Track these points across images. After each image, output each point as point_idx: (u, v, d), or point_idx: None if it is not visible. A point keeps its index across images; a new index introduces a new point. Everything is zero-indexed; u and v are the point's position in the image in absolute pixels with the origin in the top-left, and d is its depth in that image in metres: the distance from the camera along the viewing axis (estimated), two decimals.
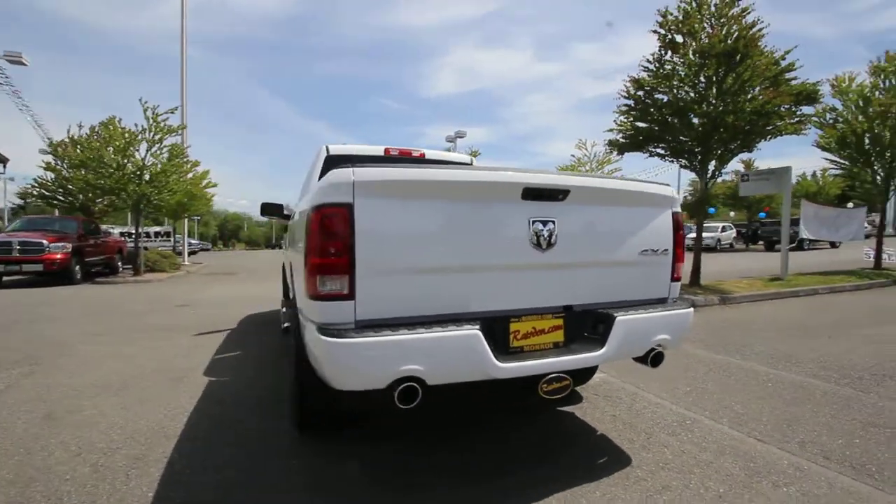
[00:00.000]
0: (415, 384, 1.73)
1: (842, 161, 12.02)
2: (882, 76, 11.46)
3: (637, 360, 2.29)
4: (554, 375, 1.96)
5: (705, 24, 7.79)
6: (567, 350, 2.08)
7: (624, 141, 9.13)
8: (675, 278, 2.42)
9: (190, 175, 15.60)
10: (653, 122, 8.47)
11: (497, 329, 1.97)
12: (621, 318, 2.08)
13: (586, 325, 2.18)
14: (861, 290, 9.06)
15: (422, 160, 4.12)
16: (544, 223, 2.00)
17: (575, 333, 2.15)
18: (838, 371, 3.77)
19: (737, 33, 7.38)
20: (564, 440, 2.61)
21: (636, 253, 2.27)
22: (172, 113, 12.84)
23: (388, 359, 1.69)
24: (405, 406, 1.73)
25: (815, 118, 10.91)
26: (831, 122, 11.44)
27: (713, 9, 7.91)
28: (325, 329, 1.73)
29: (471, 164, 4.39)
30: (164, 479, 2.16)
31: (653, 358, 2.24)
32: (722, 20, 7.59)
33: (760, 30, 7.41)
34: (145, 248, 15.28)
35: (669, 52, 8.18)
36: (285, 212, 3.99)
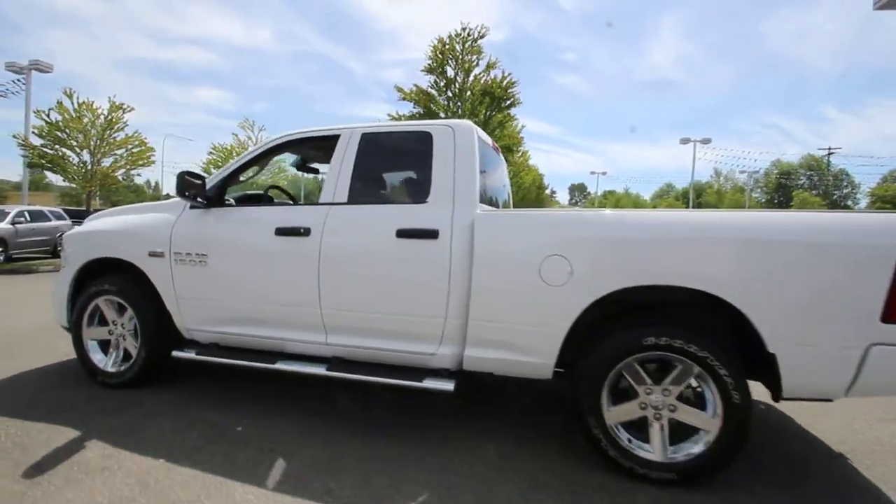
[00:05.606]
0: None
1: None
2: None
3: None
4: None
5: (479, 64, 10.23)
6: None
7: None
8: None
9: None
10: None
11: None
12: None
13: None
14: None
15: None
16: None
17: None
18: None
19: (504, 83, 10.15)
20: None
21: None
22: None
23: None
24: None
25: None
26: None
27: (462, 50, 10.47)
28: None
29: None
30: None
31: None
32: (490, 70, 10.23)
33: (515, 87, 10.52)
34: None
35: (436, 77, 10.20)
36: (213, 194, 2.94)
